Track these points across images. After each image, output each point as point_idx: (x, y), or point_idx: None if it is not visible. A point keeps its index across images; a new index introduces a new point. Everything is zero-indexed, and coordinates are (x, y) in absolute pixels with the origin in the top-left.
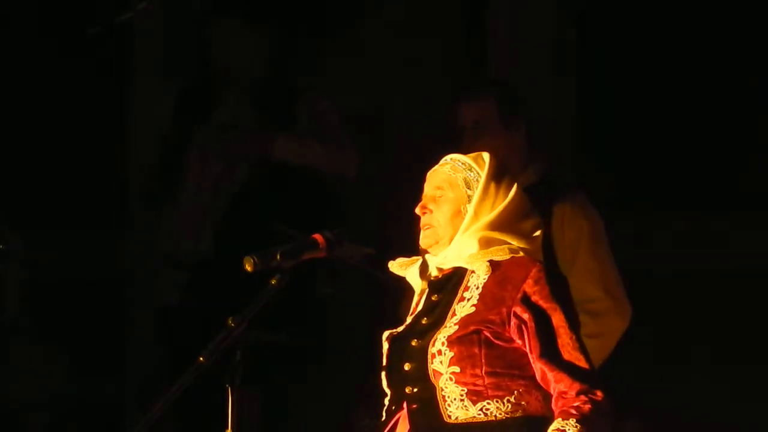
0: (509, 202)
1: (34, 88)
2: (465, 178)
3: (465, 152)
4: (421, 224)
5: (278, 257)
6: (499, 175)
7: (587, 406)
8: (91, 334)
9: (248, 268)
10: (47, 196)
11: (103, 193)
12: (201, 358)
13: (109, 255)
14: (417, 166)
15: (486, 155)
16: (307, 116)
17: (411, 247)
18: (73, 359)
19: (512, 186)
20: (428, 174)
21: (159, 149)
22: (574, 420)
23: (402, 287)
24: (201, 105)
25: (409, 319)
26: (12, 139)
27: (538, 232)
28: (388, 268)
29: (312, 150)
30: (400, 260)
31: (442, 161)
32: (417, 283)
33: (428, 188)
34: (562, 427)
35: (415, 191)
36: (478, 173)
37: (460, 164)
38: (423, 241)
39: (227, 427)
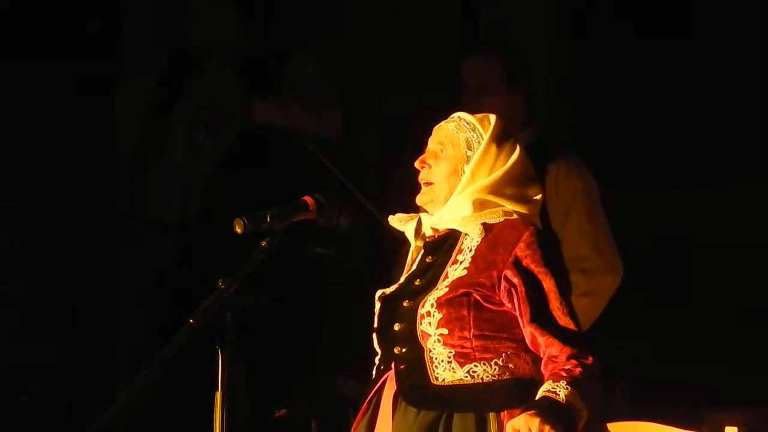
0: (510, 167)
1: (22, 60)
2: (467, 138)
3: (466, 111)
4: (420, 178)
5: (268, 219)
6: (501, 139)
7: (578, 369)
8: (84, 302)
9: (238, 230)
10: (38, 167)
11: (93, 163)
12: (191, 321)
13: (100, 224)
14: (413, 133)
15: (492, 117)
16: (294, 79)
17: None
18: (65, 327)
19: (514, 151)
20: (434, 129)
21: (145, 114)
22: (565, 382)
23: (396, 247)
24: (187, 72)
25: (402, 279)
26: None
27: (538, 196)
28: (387, 222)
29: (293, 113)
30: (399, 215)
31: (449, 118)
32: (413, 240)
33: (431, 143)
34: (553, 388)
35: (412, 158)
36: (480, 135)
37: (465, 123)
38: (420, 198)
39: (217, 389)
